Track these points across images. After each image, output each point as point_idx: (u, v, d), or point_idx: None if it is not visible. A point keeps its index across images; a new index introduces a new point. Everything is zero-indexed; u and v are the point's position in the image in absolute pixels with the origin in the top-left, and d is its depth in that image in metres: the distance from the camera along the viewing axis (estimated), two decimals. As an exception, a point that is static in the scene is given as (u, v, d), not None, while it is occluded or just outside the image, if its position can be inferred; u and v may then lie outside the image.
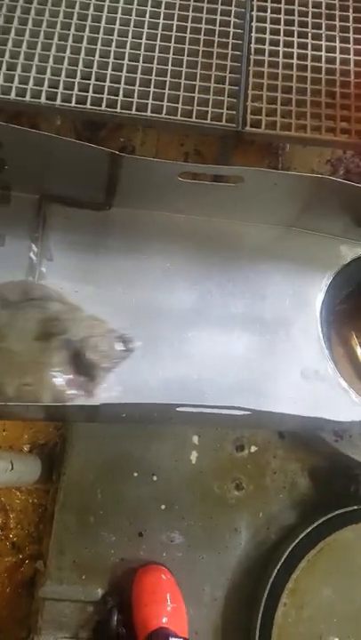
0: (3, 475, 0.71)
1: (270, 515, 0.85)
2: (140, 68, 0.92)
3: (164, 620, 0.77)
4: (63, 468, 0.85)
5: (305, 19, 0.95)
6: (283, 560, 0.80)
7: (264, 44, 0.94)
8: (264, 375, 0.79)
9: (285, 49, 0.94)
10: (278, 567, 0.80)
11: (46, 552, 0.85)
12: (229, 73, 0.92)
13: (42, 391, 0.68)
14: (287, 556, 0.81)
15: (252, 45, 0.94)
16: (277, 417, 0.72)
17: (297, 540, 0.81)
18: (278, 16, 0.95)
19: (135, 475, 0.86)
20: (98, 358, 0.71)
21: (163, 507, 0.85)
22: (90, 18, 0.94)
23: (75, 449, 0.85)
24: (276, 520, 0.86)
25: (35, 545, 0.95)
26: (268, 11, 0.96)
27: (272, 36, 0.94)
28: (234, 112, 0.90)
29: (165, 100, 0.90)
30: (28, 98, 0.91)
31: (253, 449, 0.88)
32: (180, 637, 0.74)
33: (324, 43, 0.93)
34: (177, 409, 0.66)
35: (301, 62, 0.92)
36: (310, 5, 0.96)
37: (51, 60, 0.93)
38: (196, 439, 0.88)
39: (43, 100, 0.91)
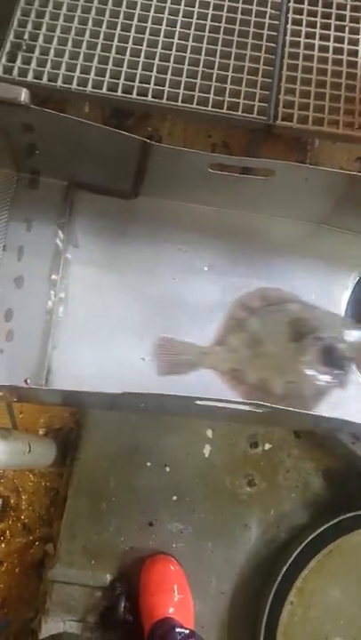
0: (21, 457, 0.72)
1: (281, 513, 0.85)
2: (172, 56, 0.92)
3: (171, 610, 0.78)
4: (78, 453, 0.85)
5: (343, 12, 0.93)
6: (292, 559, 0.80)
7: (300, 37, 0.92)
8: (284, 372, 0.79)
9: (321, 42, 0.92)
10: (287, 566, 0.80)
11: (57, 535, 0.86)
12: (263, 65, 0.91)
13: (304, 386, 0.75)
14: (297, 555, 0.80)
15: (288, 38, 0.92)
16: (296, 416, 0.71)
17: (307, 540, 0.81)
18: (315, 8, 0.93)
19: (148, 465, 0.86)
20: (346, 349, 0.77)
21: (174, 498, 0.85)
22: (124, 4, 0.94)
23: (90, 435, 0.86)
24: (287, 519, 0.85)
25: (45, 527, 0.96)
26: (306, 3, 0.94)
27: (308, 29, 0.93)
28: (266, 105, 0.88)
29: (197, 89, 0.90)
30: (59, 83, 0.91)
31: (268, 446, 0.87)
32: (186, 629, 0.74)
33: (361, 37, 0.91)
34: (196, 402, 0.66)
35: (337, 56, 0.90)
36: (349, -2, 0.94)
37: (84, 45, 0.92)
38: (210, 433, 0.88)
39: (74, 85, 0.91)
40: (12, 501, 0.97)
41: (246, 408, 0.66)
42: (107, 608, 0.81)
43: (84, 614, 0.82)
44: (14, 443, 0.72)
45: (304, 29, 0.92)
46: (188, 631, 0.74)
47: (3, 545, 0.95)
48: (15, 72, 0.91)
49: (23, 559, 0.95)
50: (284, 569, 0.80)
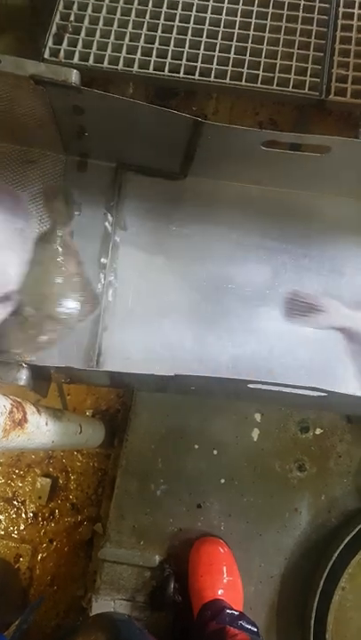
0: (73, 437, 0.73)
1: (333, 498, 0.84)
2: (220, 33, 0.90)
3: (220, 592, 0.78)
4: (126, 434, 0.86)
5: None
6: (344, 544, 0.79)
7: (353, 8, 0.89)
8: (337, 356, 0.77)
9: (376, 12, 0.88)
10: (339, 551, 0.79)
11: (105, 515, 0.87)
12: (315, 39, 0.88)
13: None
14: (348, 540, 0.79)
15: (341, 9, 0.89)
16: (351, 400, 0.70)
17: (359, 526, 0.79)
18: (370, -23, 0.90)
19: (196, 447, 0.86)
20: None
21: (222, 481, 0.85)
22: (170, -19, 0.92)
23: (138, 417, 0.86)
24: (339, 504, 0.84)
25: (93, 507, 0.97)
26: (358, -29, 0.90)
27: (362, -1, 0.89)
28: (318, 79, 0.86)
29: (245, 66, 0.88)
30: (105, 64, 0.91)
31: (319, 431, 0.86)
32: (236, 610, 0.75)
33: None
34: (248, 385, 0.65)
35: (393, 27, 0.87)
36: None
37: (130, 25, 0.91)
38: (258, 417, 0.87)
39: (120, 66, 0.90)
40: (61, 481, 0.99)
41: (300, 392, 0.64)
42: (156, 588, 0.82)
43: (133, 594, 0.83)
44: (67, 423, 0.72)
45: (358, 0, 0.89)
46: (237, 613, 0.74)
47: (52, 524, 0.98)
48: (61, 55, 0.91)
49: (72, 538, 0.97)
50: (336, 554, 0.78)
